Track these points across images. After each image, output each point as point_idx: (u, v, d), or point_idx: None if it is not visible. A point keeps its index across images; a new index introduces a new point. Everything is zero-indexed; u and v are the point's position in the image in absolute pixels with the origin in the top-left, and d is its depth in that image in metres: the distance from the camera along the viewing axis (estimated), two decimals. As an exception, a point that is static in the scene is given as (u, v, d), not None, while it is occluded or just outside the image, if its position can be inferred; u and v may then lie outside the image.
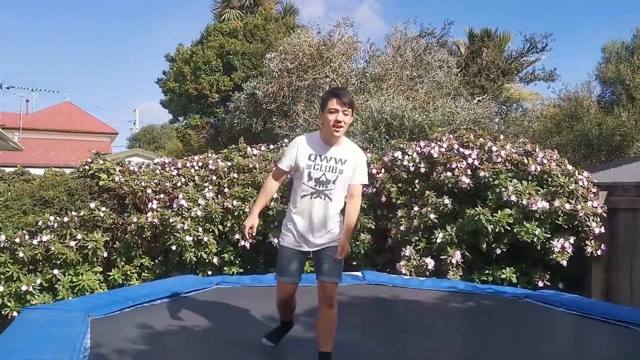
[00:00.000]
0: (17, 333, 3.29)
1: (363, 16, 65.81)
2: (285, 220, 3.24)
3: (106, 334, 3.45)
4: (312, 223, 3.10)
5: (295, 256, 3.18)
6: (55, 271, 5.69)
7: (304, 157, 3.10)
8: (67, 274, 5.79)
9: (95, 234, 5.95)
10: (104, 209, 6.31)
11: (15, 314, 5.35)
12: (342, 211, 3.17)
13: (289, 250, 3.17)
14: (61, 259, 5.75)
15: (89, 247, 5.83)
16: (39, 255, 5.75)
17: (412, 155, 6.35)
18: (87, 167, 7.26)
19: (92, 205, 6.25)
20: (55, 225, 6.08)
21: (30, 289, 5.57)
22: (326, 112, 3.06)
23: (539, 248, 5.67)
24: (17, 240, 5.82)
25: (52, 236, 5.90)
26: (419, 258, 5.77)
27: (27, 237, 5.92)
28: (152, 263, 6.20)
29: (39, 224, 6.13)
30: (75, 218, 6.10)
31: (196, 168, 7.28)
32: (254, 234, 3.23)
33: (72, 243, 5.84)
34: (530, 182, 5.85)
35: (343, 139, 3.16)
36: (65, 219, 6.07)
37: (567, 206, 5.65)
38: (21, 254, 5.71)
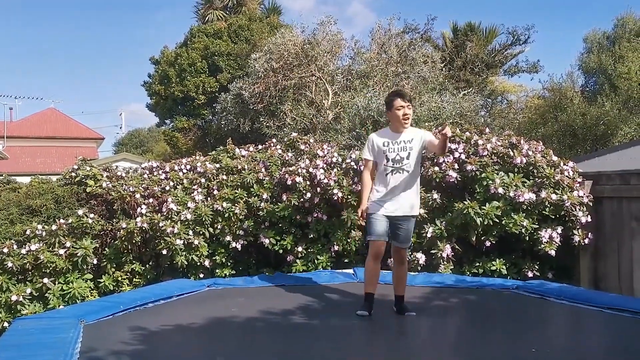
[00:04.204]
0: (9, 343, 3.27)
1: (354, 10, 65.81)
2: (372, 195, 4.02)
3: (98, 338, 3.44)
4: (395, 192, 3.94)
5: (382, 219, 3.94)
6: (45, 280, 5.65)
7: (380, 144, 4.03)
8: (57, 282, 5.75)
9: (84, 241, 5.91)
10: (92, 215, 6.27)
11: (6, 324, 5.31)
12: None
13: (375, 215, 3.94)
14: (51, 268, 5.70)
15: (78, 254, 5.78)
16: (28, 264, 5.71)
17: (399, 151, 6.38)
18: (73, 174, 7.20)
19: (80, 212, 6.20)
20: (44, 233, 6.03)
21: (21, 298, 5.52)
22: (394, 109, 4.00)
23: (527, 239, 5.74)
24: (5, 250, 5.77)
25: (41, 245, 5.86)
26: (410, 253, 5.81)
27: (15, 246, 5.86)
28: (143, 268, 6.17)
29: (27, 233, 6.08)
30: (64, 226, 6.06)
31: (184, 171, 7.25)
32: (364, 216, 4.04)
33: (61, 251, 5.80)
34: (516, 174, 5.91)
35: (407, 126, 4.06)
36: (54, 227, 6.02)
37: (554, 196, 5.71)
38: (10, 264, 5.66)
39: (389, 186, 3.95)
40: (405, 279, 4.10)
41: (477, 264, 5.87)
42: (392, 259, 4.25)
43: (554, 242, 5.70)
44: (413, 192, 4.02)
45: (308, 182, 6.27)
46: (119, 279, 6.05)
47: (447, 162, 6.03)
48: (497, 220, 5.66)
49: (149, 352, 3.32)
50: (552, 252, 5.68)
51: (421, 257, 5.76)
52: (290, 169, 6.50)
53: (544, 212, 5.77)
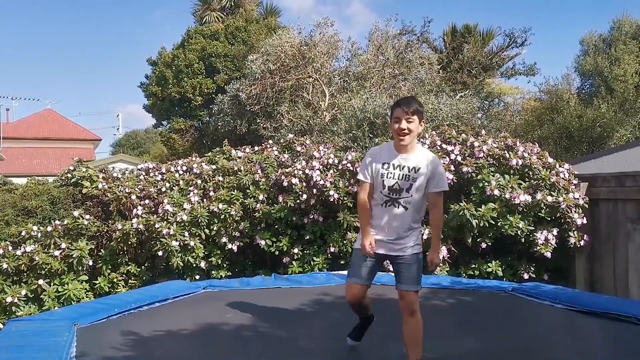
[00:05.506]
0: (2, 345, 3.25)
1: (354, 9, 65.84)
2: None
3: (92, 341, 3.43)
4: (388, 231, 3.12)
5: (368, 260, 3.17)
6: (40, 281, 5.63)
7: (378, 165, 3.14)
8: (52, 283, 5.73)
9: (79, 243, 5.89)
10: (87, 216, 6.25)
11: (0, 325, 5.29)
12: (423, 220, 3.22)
13: (361, 251, 3.17)
14: (46, 269, 5.68)
15: (73, 255, 5.77)
16: (23, 265, 5.69)
17: (395, 153, 6.38)
18: (69, 175, 7.19)
19: (76, 213, 6.19)
20: (39, 235, 6.01)
21: (16, 300, 5.49)
22: (392, 122, 3.14)
23: (523, 241, 5.74)
24: (0, 251, 5.75)
25: (36, 246, 5.84)
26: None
27: (10, 248, 5.84)
28: (139, 270, 6.16)
29: (22, 234, 6.06)
30: (59, 227, 6.04)
31: (180, 172, 7.25)
32: (374, 249, 3.14)
33: (57, 252, 5.78)
34: (512, 176, 5.92)
35: (417, 147, 3.19)
36: (49, 228, 6.00)
37: (549, 198, 5.72)
38: (5, 265, 5.63)
39: (382, 220, 3.13)
40: (419, 338, 3.08)
41: (473, 266, 5.88)
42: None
43: (549, 244, 5.71)
44: (411, 230, 3.16)
45: (304, 184, 6.27)
46: (115, 280, 6.04)
47: (443, 163, 6.03)
48: (493, 222, 5.67)
49: (143, 357, 3.31)
50: (548, 254, 5.69)
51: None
52: (287, 170, 6.50)
53: (539, 214, 5.78)
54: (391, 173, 3.10)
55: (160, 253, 5.94)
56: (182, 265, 6.04)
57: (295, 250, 6.22)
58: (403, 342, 3.10)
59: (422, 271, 3.16)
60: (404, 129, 3.06)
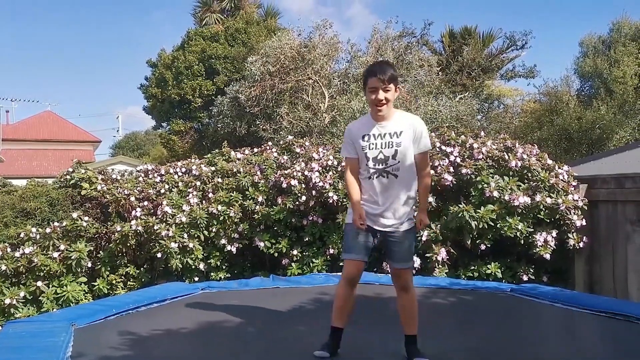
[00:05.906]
0: (0, 346, 3.25)
1: (354, 11, 66.03)
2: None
3: (90, 341, 3.42)
4: (380, 203, 3.05)
5: (362, 232, 3.07)
6: (39, 283, 5.62)
7: (358, 139, 3.08)
8: (51, 285, 5.72)
9: (78, 244, 5.89)
10: (86, 218, 6.25)
11: (-1, 327, 5.29)
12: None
13: (354, 227, 3.08)
14: (44, 271, 5.68)
15: (72, 257, 5.76)
16: (21, 267, 5.68)
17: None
18: (68, 177, 7.19)
19: (75, 215, 6.18)
20: (38, 236, 6.01)
21: (14, 302, 5.49)
22: (367, 91, 3.06)
23: (522, 242, 5.74)
24: (-1, 253, 5.75)
25: (35, 248, 5.84)
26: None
27: (9, 249, 5.84)
28: (138, 271, 6.16)
29: (21, 236, 6.06)
30: (58, 229, 6.03)
31: (180, 174, 7.25)
32: (365, 222, 3.06)
33: (55, 254, 5.77)
34: (511, 178, 5.92)
35: (395, 111, 3.12)
36: (48, 230, 6.00)
37: (548, 200, 5.72)
38: (3, 267, 5.63)
39: (372, 194, 3.07)
40: (414, 313, 3.14)
41: (472, 268, 5.87)
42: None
43: (548, 246, 5.71)
44: (404, 200, 3.06)
45: (303, 185, 6.27)
46: (114, 282, 6.03)
47: (443, 165, 6.03)
48: (492, 224, 5.66)
49: (140, 357, 3.30)
50: (547, 256, 5.68)
51: (416, 260, 5.75)
52: (286, 172, 6.50)
53: (538, 215, 5.78)
54: (373, 144, 3.05)
55: (159, 255, 5.93)
56: (181, 267, 6.03)
57: (295, 252, 6.21)
58: (400, 321, 3.15)
59: (414, 246, 3.15)
60: (382, 100, 3.00)
